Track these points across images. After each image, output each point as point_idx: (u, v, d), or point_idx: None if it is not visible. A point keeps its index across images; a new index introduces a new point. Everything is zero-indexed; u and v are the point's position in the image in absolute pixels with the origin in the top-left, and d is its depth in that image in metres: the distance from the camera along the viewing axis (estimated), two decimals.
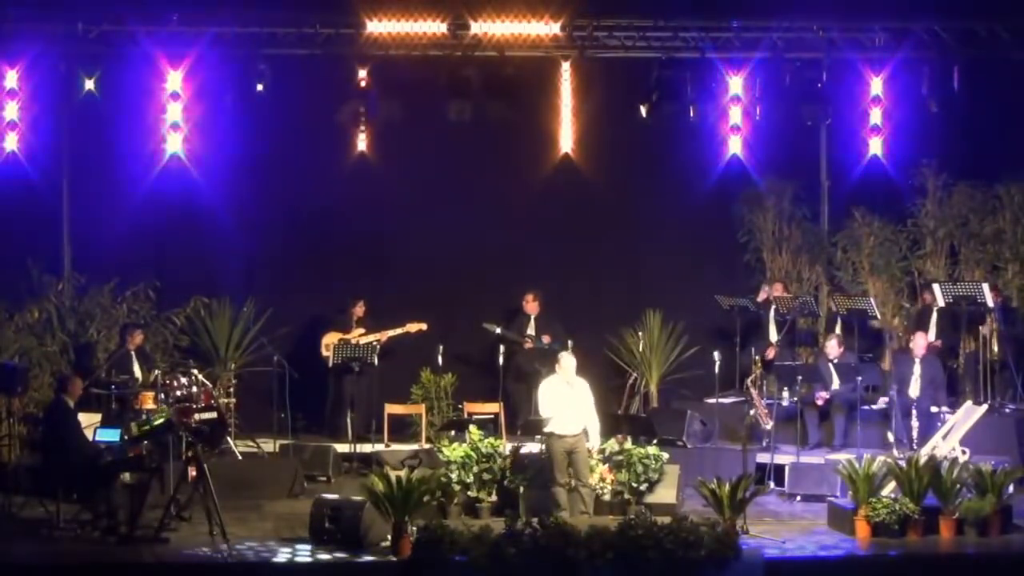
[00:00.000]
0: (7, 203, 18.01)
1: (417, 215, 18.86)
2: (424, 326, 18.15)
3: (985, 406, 16.45)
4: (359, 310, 18.40)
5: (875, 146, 18.41)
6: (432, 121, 17.97)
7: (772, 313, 18.44)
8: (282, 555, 13.87)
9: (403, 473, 14.33)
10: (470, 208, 18.90)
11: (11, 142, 17.66)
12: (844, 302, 18.13)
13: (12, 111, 17.62)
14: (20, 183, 17.97)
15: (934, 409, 16.75)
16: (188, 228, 18.54)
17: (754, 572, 13.55)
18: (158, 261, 18.52)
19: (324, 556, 13.84)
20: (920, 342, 17.07)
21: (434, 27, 17.61)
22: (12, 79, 17.51)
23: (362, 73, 17.78)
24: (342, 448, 17.36)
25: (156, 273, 18.40)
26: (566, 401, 15.04)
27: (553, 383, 15.22)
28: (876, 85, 18.14)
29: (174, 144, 17.98)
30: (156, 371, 16.89)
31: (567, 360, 15.27)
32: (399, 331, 18.17)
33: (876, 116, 18.25)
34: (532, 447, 15.93)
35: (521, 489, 15.30)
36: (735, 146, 18.33)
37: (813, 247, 19.33)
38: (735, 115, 18.17)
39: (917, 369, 16.99)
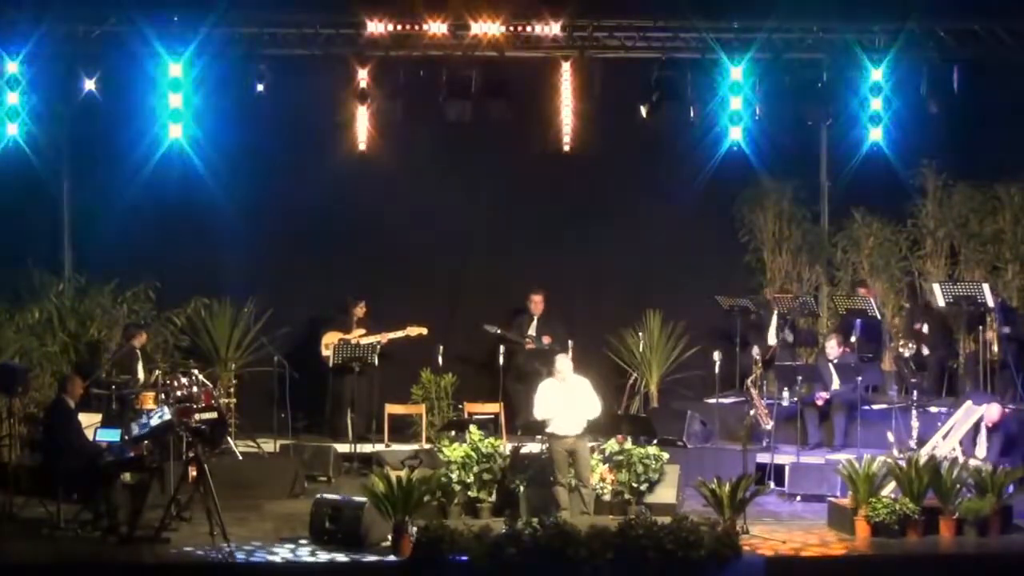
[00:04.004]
0: (9, 192, 17.96)
1: (417, 215, 18.85)
2: (424, 330, 18.11)
3: (985, 406, 16.44)
4: (360, 311, 18.39)
5: (875, 147, 18.37)
6: (432, 121, 17.95)
7: (775, 317, 18.39)
8: (282, 555, 13.87)
9: (403, 473, 14.33)
10: (470, 208, 18.91)
11: (12, 131, 17.59)
12: (844, 302, 18.14)
13: (13, 99, 17.54)
14: (22, 173, 17.91)
15: (934, 409, 16.77)
16: (188, 228, 18.50)
17: (754, 572, 13.56)
18: (158, 261, 18.47)
19: (324, 556, 13.85)
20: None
21: (434, 27, 17.60)
22: (13, 68, 17.44)
23: (362, 73, 17.76)
24: (342, 448, 17.36)
25: (156, 273, 18.38)
26: (563, 402, 15.02)
27: (550, 385, 15.23)
28: (875, 85, 18.11)
29: (175, 132, 17.90)
30: (157, 371, 16.89)
31: (562, 362, 15.28)
32: (399, 334, 18.14)
33: (876, 116, 18.22)
34: (532, 447, 15.94)
35: (521, 489, 15.30)
36: (735, 146, 18.29)
37: (813, 247, 19.33)
38: (735, 115, 18.14)
39: None
